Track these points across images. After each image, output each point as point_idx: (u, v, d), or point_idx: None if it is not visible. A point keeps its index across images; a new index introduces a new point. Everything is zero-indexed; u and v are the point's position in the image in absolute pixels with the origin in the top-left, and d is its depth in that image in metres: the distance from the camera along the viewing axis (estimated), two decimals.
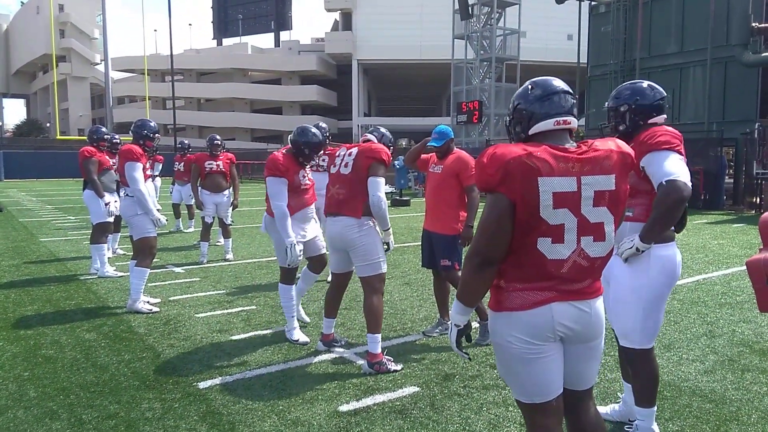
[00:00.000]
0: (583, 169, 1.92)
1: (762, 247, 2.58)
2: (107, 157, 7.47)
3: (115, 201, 7.12)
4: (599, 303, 2.06)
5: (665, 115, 2.91)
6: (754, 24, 18.14)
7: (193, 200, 11.09)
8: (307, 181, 4.69)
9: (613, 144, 2.01)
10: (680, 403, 3.44)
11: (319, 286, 6.52)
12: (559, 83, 2.06)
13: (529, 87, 2.07)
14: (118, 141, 7.91)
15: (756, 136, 16.04)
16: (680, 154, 2.68)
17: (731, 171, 18.06)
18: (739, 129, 17.12)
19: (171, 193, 11.74)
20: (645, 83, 2.94)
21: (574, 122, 2.03)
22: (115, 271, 7.15)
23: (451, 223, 4.50)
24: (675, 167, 2.61)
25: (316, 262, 4.90)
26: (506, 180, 1.87)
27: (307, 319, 5.14)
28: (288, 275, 4.63)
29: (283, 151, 4.57)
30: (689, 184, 2.62)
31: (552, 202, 1.87)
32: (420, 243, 5.07)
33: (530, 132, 2.03)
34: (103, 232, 7.16)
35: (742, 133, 16.68)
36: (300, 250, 4.42)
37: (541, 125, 2.00)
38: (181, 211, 11.68)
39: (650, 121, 2.86)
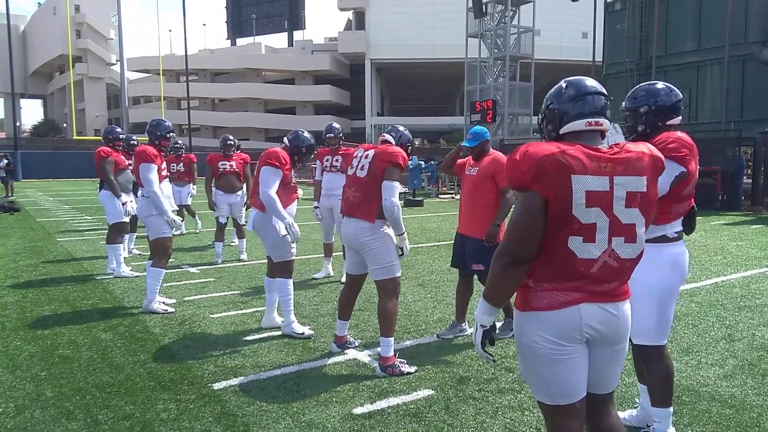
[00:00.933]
0: (615, 169, 1.91)
1: None
2: (123, 158, 7.53)
3: (132, 201, 7.18)
4: (626, 306, 2.04)
5: (681, 117, 2.93)
6: None
7: (191, 201, 11.13)
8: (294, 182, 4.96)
9: (644, 147, 2.02)
10: (699, 408, 3.39)
11: (333, 287, 6.52)
12: (592, 83, 2.05)
13: (563, 86, 2.07)
14: (135, 142, 7.94)
15: None
16: (682, 163, 2.70)
17: (749, 171, 17.81)
18: (758, 128, 16.87)
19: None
20: (661, 84, 2.94)
21: (605, 123, 2.03)
22: (131, 271, 7.20)
23: (487, 227, 4.40)
24: (664, 181, 2.62)
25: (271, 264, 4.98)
26: (539, 177, 1.87)
27: (279, 322, 4.95)
28: (287, 268, 4.81)
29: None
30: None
31: (585, 200, 1.87)
32: (432, 244, 5.02)
33: (561, 131, 2.03)
34: (119, 232, 7.21)
35: (760, 133, 16.44)
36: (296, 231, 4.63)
37: (572, 125, 2.01)
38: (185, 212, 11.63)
39: (668, 123, 2.87)
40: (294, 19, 68.58)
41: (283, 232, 4.65)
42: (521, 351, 2.04)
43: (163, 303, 5.65)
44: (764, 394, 3.59)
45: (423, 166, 22.22)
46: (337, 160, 6.83)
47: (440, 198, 21.44)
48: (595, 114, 2.00)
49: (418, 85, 58.25)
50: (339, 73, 59.05)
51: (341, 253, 7.14)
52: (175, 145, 11.67)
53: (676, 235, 2.86)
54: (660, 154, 2.03)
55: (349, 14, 59.99)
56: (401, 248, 4.16)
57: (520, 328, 2.01)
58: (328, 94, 57.91)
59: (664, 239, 2.83)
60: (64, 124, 68.10)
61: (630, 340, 2.88)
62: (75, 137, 45.97)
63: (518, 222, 1.92)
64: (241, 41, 70.96)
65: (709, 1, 19.62)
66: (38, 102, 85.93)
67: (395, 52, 51.43)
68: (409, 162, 21.90)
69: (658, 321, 2.82)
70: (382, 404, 3.47)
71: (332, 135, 6.87)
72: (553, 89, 2.11)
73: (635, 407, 3.28)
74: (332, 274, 7.10)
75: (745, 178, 16.88)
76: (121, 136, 7.64)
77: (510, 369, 4.01)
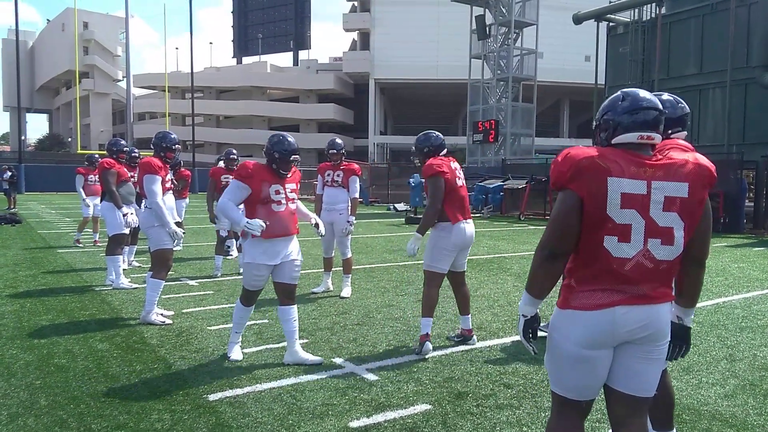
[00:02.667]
0: (655, 174, 2.00)
1: None
2: (126, 170, 7.56)
3: (132, 213, 7.19)
4: (666, 308, 2.09)
5: (686, 132, 2.82)
6: None
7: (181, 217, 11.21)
8: (283, 198, 4.31)
9: (690, 156, 2.10)
10: (700, 427, 3.34)
11: (332, 301, 6.48)
12: (647, 96, 2.10)
13: (620, 97, 2.13)
14: (137, 155, 8.05)
15: None
16: None
17: (752, 194, 17.79)
18: (760, 151, 16.90)
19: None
20: (666, 95, 2.86)
21: (657, 138, 2.07)
22: (129, 282, 7.18)
23: None
24: None
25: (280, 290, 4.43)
26: (576, 177, 1.97)
27: (304, 357, 4.41)
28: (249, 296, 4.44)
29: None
30: None
31: (620, 201, 1.96)
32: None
33: (614, 141, 2.08)
34: (118, 244, 7.20)
35: (762, 156, 16.46)
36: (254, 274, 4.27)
37: (625, 137, 2.06)
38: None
39: (672, 136, 2.75)
40: (299, 39, 69.35)
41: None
42: (550, 343, 2.13)
43: (161, 315, 5.62)
44: (765, 414, 3.54)
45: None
46: (338, 175, 6.84)
47: None
48: (648, 128, 2.05)
49: (421, 104, 58.63)
50: (343, 92, 59.50)
51: (340, 267, 7.12)
52: (174, 161, 11.76)
53: None
54: (709, 164, 2.09)
55: (354, 35, 60.67)
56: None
57: (555, 324, 2.11)
58: (332, 113, 58.28)
59: None
60: (69, 139, 68.54)
61: None
62: (79, 151, 46.20)
63: (556, 218, 2.03)
64: (246, 60, 71.69)
65: (711, 26, 19.80)
66: (44, 116, 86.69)
67: (399, 73, 51.86)
68: (411, 180, 21.86)
69: None
70: (378, 418, 3.43)
71: (335, 150, 6.89)
72: (609, 98, 2.16)
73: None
74: (332, 288, 7.07)
75: (747, 201, 16.87)
76: (125, 149, 7.69)
77: (508, 385, 3.97)
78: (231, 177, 8.14)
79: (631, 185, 1.97)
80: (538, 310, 2.16)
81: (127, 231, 7.28)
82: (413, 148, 4.99)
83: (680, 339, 2.33)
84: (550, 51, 41.90)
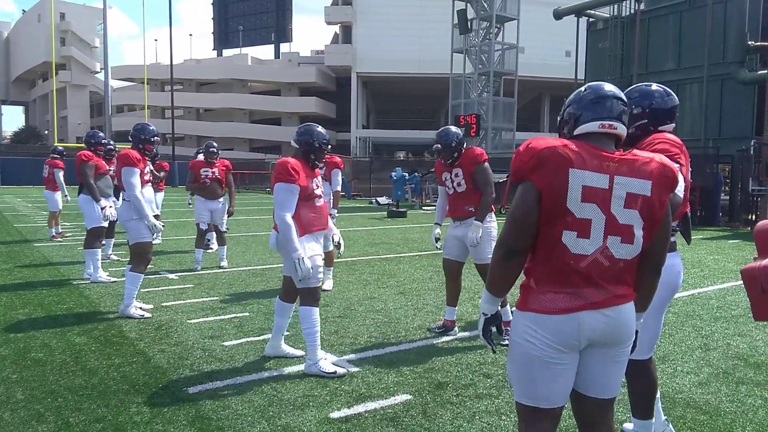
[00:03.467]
0: (618, 169, 1.93)
1: (757, 255, 2.57)
2: (104, 162, 7.46)
3: (111, 206, 7.10)
4: (627, 307, 2.01)
5: (674, 124, 2.80)
6: (750, 42, 18.32)
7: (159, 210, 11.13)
8: (319, 190, 4.14)
9: (657, 156, 2.02)
10: (674, 414, 3.41)
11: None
12: (611, 88, 2.06)
13: (582, 90, 2.10)
14: (113, 147, 7.96)
15: (752, 153, 16.11)
16: (678, 163, 2.58)
17: (727, 188, 18.12)
18: (735, 146, 17.20)
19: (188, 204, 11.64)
20: (656, 86, 2.80)
21: (620, 129, 2.02)
22: (108, 276, 7.10)
23: None
24: None
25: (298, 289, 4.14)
26: (538, 168, 1.90)
27: (287, 351, 4.36)
28: (311, 295, 4.02)
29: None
30: (680, 196, 2.58)
31: (580, 194, 1.89)
32: (414, 254, 5.04)
33: (576, 132, 2.04)
34: (96, 237, 7.11)
35: (738, 150, 16.76)
36: (314, 266, 3.97)
37: (586, 126, 2.01)
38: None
39: (661, 129, 2.74)
40: (281, 32, 68.80)
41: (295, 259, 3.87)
42: (513, 349, 2.03)
43: (140, 308, 5.57)
44: (737, 401, 3.62)
45: (407, 178, 22.28)
46: (321, 168, 6.81)
47: (424, 210, 21.49)
48: (610, 118, 2.00)
49: (403, 98, 58.61)
50: (325, 85, 59.21)
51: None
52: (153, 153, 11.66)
53: (674, 244, 2.79)
54: (673, 165, 2.02)
55: (336, 28, 60.33)
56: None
57: (516, 327, 2.02)
58: (314, 106, 57.99)
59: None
60: (46, 131, 67.34)
61: None
62: (56, 144, 45.45)
63: (514, 213, 1.96)
64: (227, 52, 70.96)
65: (688, 22, 20.05)
66: (20, 109, 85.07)
67: (381, 66, 51.74)
68: (393, 174, 21.92)
69: (647, 336, 2.75)
70: (359, 408, 3.44)
71: None
72: (573, 93, 2.14)
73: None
74: None
75: (722, 194, 17.18)
76: (102, 141, 7.59)
77: (488, 375, 4.01)
78: (210, 170, 8.12)
79: (593, 178, 1.90)
80: (499, 308, 2.12)
81: (105, 224, 7.20)
82: (437, 146, 4.89)
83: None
84: (531, 46, 42.08)
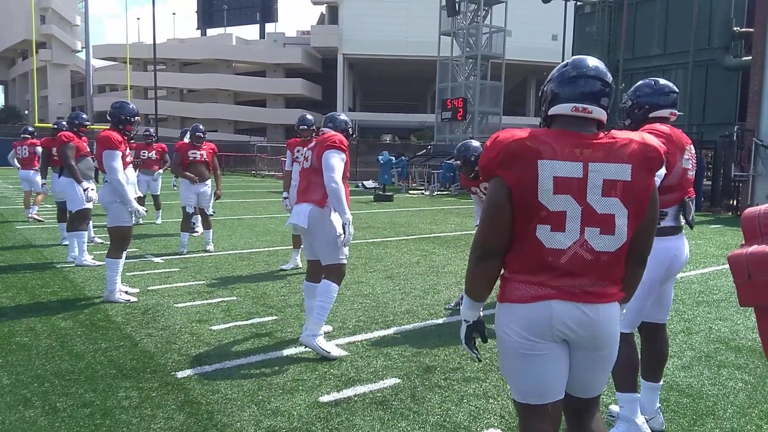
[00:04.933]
0: (593, 155, 1.80)
1: (743, 242, 2.61)
2: (85, 144, 7.32)
3: (93, 188, 6.99)
4: (611, 309, 1.88)
5: (671, 110, 2.94)
6: (735, 28, 18.43)
7: (159, 191, 11.17)
8: None
9: (636, 135, 1.88)
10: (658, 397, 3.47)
11: (301, 278, 6.48)
12: (594, 65, 1.89)
13: (566, 64, 1.94)
14: (86, 122, 7.52)
15: (734, 138, 16.30)
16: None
17: (709, 173, 18.33)
18: (718, 132, 17.36)
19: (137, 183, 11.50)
20: (650, 80, 3.00)
21: (597, 113, 1.85)
22: (93, 260, 7.03)
23: None
24: None
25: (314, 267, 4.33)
26: (505, 163, 1.80)
27: (328, 328, 4.53)
28: (338, 272, 4.13)
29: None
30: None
31: (552, 186, 1.77)
32: (401, 238, 5.06)
33: (549, 112, 1.91)
34: (82, 219, 7.01)
35: (721, 136, 16.93)
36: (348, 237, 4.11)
37: (558, 108, 1.88)
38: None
39: (651, 116, 2.90)
40: (266, 11, 67.77)
41: (340, 230, 4.05)
42: (498, 343, 1.97)
43: (126, 293, 5.52)
44: (719, 384, 3.70)
45: (393, 162, 22.24)
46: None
47: (410, 193, 21.50)
48: (586, 99, 1.85)
49: (390, 81, 58.27)
50: (311, 67, 58.63)
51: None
52: (146, 133, 11.57)
53: (672, 228, 2.86)
54: (657, 145, 1.88)
55: (323, 8, 59.63)
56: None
57: (497, 319, 1.95)
58: (300, 88, 57.46)
59: (658, 232, 2.70)
60: (26, 111, 66.06)
61: None
62: (37, 124, 44.63)
63: (486, 213, 1.86)
64: (211, 32, 69.80)
65: (675, 7, 20.09)
66: None
67: (368, 48, 51.34)
68: (380, 157, 21.88)
69: (629, 312, 2.85)
70: (348, 392, 3.46)
71: (305, 126, 6.83)
72: (557, 67, 1.98)
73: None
74: (300, 265, 7.05)
75: (705, 180, 17.38)
76: (86, 123, 7.43)
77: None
78: (197, 152, 8.03)
79: (565, 168, 1.77)
80: (481, 314, 2.02)
81: (90, 206, 7.08)
82: (457, 162, 5.05)
83: None
84: (518, 30, 41.92)
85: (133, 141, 10.21)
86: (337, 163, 4.00)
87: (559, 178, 1.77)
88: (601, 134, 1.85)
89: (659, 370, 3.04)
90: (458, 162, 5.06)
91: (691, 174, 2.96)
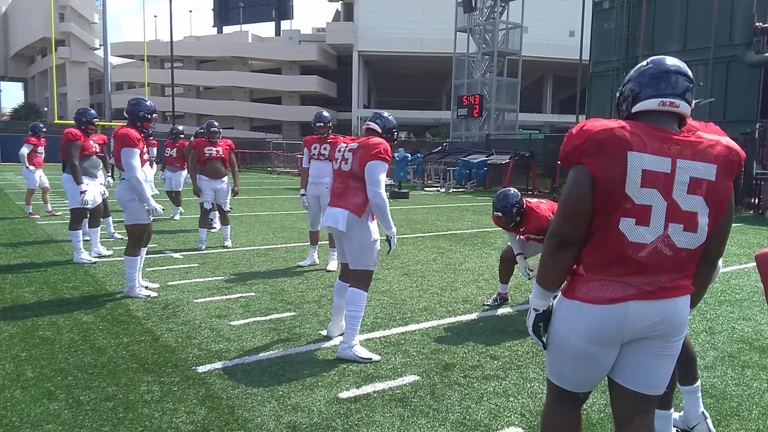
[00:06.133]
0: (681, 152, 1.79)
1: None
2: (92, 142, 7.15)
3: (98, 185, 6.89)
4: (685, 301, 1.90)
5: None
6: (757, 24, 18.12)
7: (182, 187, 11.32)
8: None
9: (723, 138, 1.90)
10: (681, 398, 3.42)
11: (318, 274, 6.49)
12: (674, 63, 1.91)
13: (644, 64, 1.94)
14: (95, 119, 7.43)
15: (756, 136, 16.03)
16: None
17: None
18: (740, 129, 17.07)
19: (163, 179, 11.63)
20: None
21: (683, 107, 1.87)
22: (89, 256, 6.99)
23: None
24: None
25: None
26: (592, 151, 1.78)
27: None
28: (366, 278, 4.08)
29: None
30: None
31: (640, 179, 1.76)
32: (417, 235, 5.05)
33: (634, 110, 1.90)
34: (77, 219, 6.92)
35: (742, 133, 16.63)
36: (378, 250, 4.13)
37: (645, 104, 1.87)
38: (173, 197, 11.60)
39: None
40: (282, 9, 67.96)
41: (375, 236, 4.05)
42: (551, 334, 1.95)
43: (146, 288, 5.57)
44: (743, 384, 3.64)
45: (409, 159, 22.21)
46: (325, 149, 6.79)
47: (426, 191, 21.46)
48: (671, 95, 1.85)
49: (405, 78, 58.18)
50: (326, 64, 58.72)
51: (326, 241, 7.12)
52: (174, 131, 11.75)
53: None
54: (740, 150, 1.89)
55: (338, 5, 59.67)
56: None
57: (558, 313, 1.93)
58: (315, 85, 57.58)
59: None
60: (45, 108, 66.94)
61: None
62: (56, 121, 45.20)
63: (567, 200, 1.84)
64: (227, 29, 70.16)
65: (695, 3, 19.82)
66: (19, 85, 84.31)
67: (383, 45, 51.29)
68: (395, 154, 21.79)
69: None
70: (367, 389, 3.47)
71: (322, 124, 6.83)
72: (634, 68, 1.97)
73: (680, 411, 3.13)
74: (317, 261, 7.07)
75: None
76: (94, 120, 7.27)
77: (494, 356, 4.03)
78: (214, 149, 8.07)
79: (654, 162, 1.76)
80: (551, 303, 1.98)
81: (90, 206, 7.02)
82: (498, 213, 4.93)
83: None
84: (535, 26, 41.63)
85: (152, 137, 10.33)
86: (382, 177, 3.96)
87: (647, 171, 1.76)
88: (688, 132, 1.85)
89: (691, 371, 2.97)
90: (498, 214, 4.90)
91: None
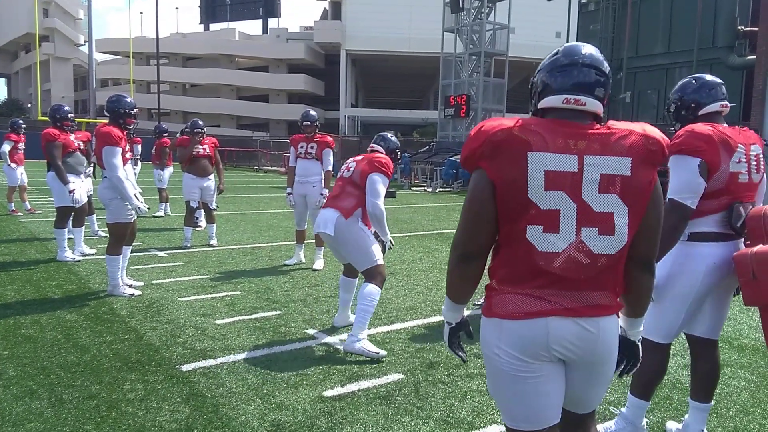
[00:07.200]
0: (589, 147, 1.62)
1: (748, 241, 2.62)
2: (73, 138, 7.08)
3: (80, 188, 6.82)
4: (611, 322, 1.72)
5: (721, 102, 2.68)
6: (740, 27, 18.40)
7: (167, 185, 11.35)
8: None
9: (638, 127, 1.69)
10: (660, 395, 3.49)
11: (304, 273, 6.50)
12: (588, 52, 1.72)
13: (557, 51, 1.76)
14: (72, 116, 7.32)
15: None
16: (696, 154, 2.47)
17: None
18: None
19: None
20: (690, 78, 2.83)
21: (591, 104, 1.67)
22: (73, 255, 6.93)
23: None
24: (676, 180, 2.50)
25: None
26: (489, 154, 1.62)
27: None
28: (378, 273, 4.18)
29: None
30: (686, 202, 2.49)
31: (544, 182, 1.59)
32: (404, 234, 5.08)
33: (539, 106, 1.74)
34: (62, 218, 6.88)
35: None
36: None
37: (549, 100, 1.70)
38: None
39: (701, 113, 2.67)
40: (269, 6, 67.65)
41: (367, 232, 4.24)
42: (485, 363, 1.79)
43: (129, 287, 5.53)
44: (722, 383, 3.70)
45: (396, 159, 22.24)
46: (312, 147, 6.79)
47: (413, 190, 21.51)
48: (580, 90, 1.67)
49: (393, 77, 58.18)
50: (314, 62, 58.58)
51: (313, 240, 7.12)
52: (158, 128, 11.74)
53: (716, 234, 2.62)
54: (659, 137, 1.68)
55: (326, 4, 59.56)
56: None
57: (483, 336, 1.77)
58: (303, 84, 57.41)
59: (695, 237, 2.63)
60: (29, 105, 66.10)
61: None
62: (39, 118, 44.65)
63: (467, 209, 1.69)
64: (214, 26, 69.71)
65: (679, 6, 20.07)
66: (2, 81, 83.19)
67: (371, 44, 51.26)
68: None
69: (656, 316, 2.71)
70: (352, 387, 3.48)
71: (309, 122, 6.83)
72: (548, 55, 1.81)
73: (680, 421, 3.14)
74: (303, 260, 7.07)
75: None
76: (69, 115, 7.12)
77: (478, 355, 4.07)
78: (200, 147, 8.03)
79: (558, 161, 1.59)
80: (464, 315, 1.90)
81: (77, 204, 6.95)
82: None
83: (626, 354, 1.92)
84: (521, 27, 41.85)
85: (135, 135, 10.25)
86: (382, 189, 4.17)
87: (550, 172, 1.59)
88: (597, 125, 1.67)
89: (706, 390, 2.85)
90: None
91: (745, 177, 2.59)
